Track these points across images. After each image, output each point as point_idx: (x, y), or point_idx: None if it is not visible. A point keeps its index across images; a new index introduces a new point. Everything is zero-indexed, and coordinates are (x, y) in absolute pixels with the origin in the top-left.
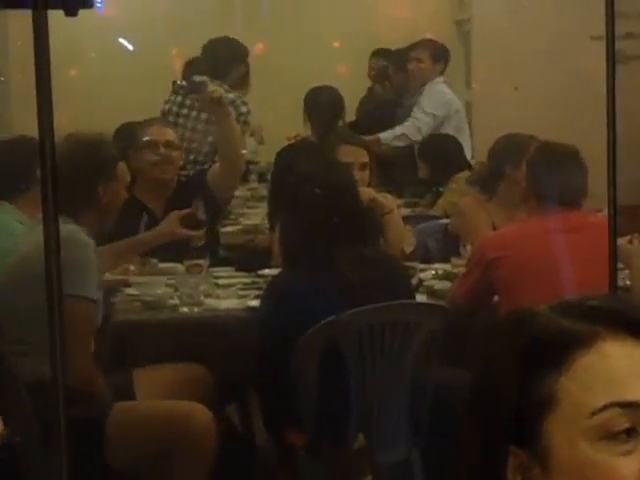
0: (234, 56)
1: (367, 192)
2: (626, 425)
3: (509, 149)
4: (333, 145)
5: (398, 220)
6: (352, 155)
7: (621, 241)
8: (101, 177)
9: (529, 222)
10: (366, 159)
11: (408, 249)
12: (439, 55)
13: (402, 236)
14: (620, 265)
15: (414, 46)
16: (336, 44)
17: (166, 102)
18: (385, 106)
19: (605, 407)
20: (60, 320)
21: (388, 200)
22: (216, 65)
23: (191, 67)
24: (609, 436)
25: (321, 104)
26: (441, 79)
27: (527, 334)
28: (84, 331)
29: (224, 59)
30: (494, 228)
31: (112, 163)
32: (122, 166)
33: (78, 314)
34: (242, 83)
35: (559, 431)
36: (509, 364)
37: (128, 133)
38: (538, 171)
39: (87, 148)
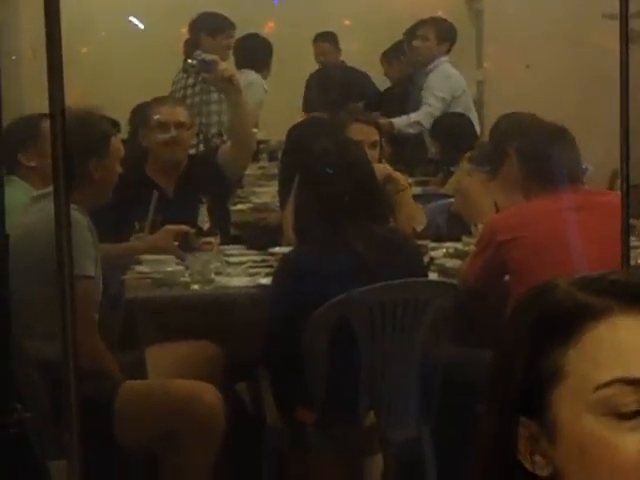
0: (211, 27)
1: (383, 168)
2: (633, 406)
3: (511, 130)
4: (344, 123)
5: (410, 198)
6: (362, 133)
7: None
8: (92, 153)
9: (538, 202)
10: (376, 137)
11: (419, 227)
12: (445, 34)
13: (414, 214)
14: (634, 243)
15: (420, 24)
16: (347, 22)
17: (177, 81)
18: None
19: (610, 382)
20: (71, 298)
21: (402, 178)
22: (194, 37)
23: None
24: (613, 412)
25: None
26: (446, 58)
27: (541, 306)
28: (85, 309)
29: (208, 31)
30: (497, 208)
31: (104, 139)
32: (115, 142)
33: (77, 293)
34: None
35: (566, 404)
36: (522, 335)
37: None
38: (528, 155)
39: (78, 124)
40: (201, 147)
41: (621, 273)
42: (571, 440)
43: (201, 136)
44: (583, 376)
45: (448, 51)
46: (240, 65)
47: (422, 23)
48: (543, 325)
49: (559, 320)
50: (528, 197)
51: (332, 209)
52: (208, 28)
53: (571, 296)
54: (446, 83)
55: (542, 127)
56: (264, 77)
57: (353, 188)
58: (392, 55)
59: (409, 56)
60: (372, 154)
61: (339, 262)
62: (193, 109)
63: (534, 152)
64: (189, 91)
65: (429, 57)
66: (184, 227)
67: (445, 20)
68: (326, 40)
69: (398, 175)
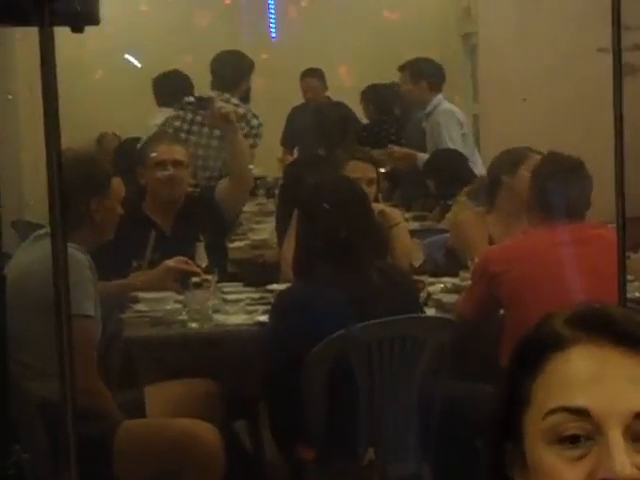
0: (242, 69)
1: (374, 205)
2: (571, 431)
3: (505, 158)
4: (341, 160)
5: (405, 234)
6: (360, 171)
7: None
8: (94, 193)
9: (533, 235)
10: (374, 175)
11: (416, 263)
12: (433, 74)
13: (410, 250)
14: (629, 277)
15: (406, 67)
16: (343, 59)
17: (176, 118)
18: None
19: (554, 410)
20: (69, 338)
21: (395, 213)
22: (225, 78)
23: (161, 82)
24: (558, 440)
25: (329, 119)
26: (441, 96)
27: (526, 336)
28: (85, 349)
29: (233, 72)
30: (491, 241)
31: (105, 179)
32: (116, 182)
33: (76, 332)
34: (245, 97)
35: (530, 431)
36: (510, 364)
37: (131, 148)
38: (543, 182)
39: (80, 164)
40: (216, 176)
41: (608, 307)
42: (533, 467)
43: (213, 170)
44: (539, 404)
45: (439, 89)
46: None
47: (408, 66)
48: (521, 354)
49: (532, 349)
50: (531, 222)
51: (331, 246)
52: (248, 69)
53: (551, 326)
54: (455, 120)
55: (563, 158)
56: None
57: (352, 225)
58: (370, 95)
59: (403, 99)
60: (369, 191)
61: (337, 298)
62: (202, 142)
63: (553, 182)
64: (195, 127)
65: (423, 99)
66: (181, 261)
67: (430, 60)
68: (313, 76)
69: (390, 210)
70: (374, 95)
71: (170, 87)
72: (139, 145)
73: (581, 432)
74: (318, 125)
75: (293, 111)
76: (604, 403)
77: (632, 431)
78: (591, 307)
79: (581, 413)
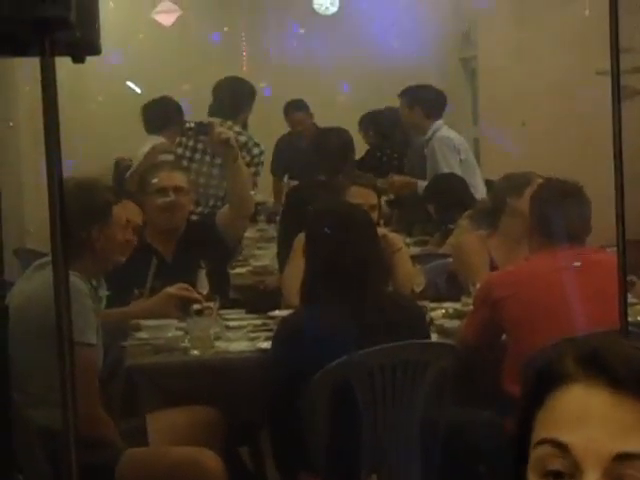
0: (245, 96)
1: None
2: (554, 467)
3: (510, 180)
4: (343, 186)
5: (407, 259)
6: (361, 196)
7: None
8: (95, 221)
9: (535, 260)
10: (375, 201)
11: (418, 288)
12: (430, 100)
13: (412, 275)
14: (632, 300)
15: (405, 92)
16: (342, 84)
17: (178, 145)
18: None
19: (541, 442)
20: (71, 367)
21: (396, 239)
22: (228, 105)
23: (149, 109)
24: (543, 474)
25: (331, 145)
26: (441, 122)
27: (537, 364)
28: (87, 377)
29: (235, 99)
30: (493, 264)
31: (106, 207)
32: (118, 210)
33: (78, 360)
34: (243, 125)
35: (530, 462)
36: (522, 390)
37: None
38: (543, 207)
39: (81, 192)
40: (219, 204)
41: (607, 342)
42: None
43: (215, 198)
44: (535, 436)
45: (439, 115)
46: None
47: (407, 93)
48: (530, 382)
49: (539, 382)
50: (531, 247)
51: (340, 272)
52: (251, 96)
53: (557, 360)
54: (451, 146)
55: (562, 183)
56: None
57: (360, 250)
58: (370, 121)
59: (404, 125)
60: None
61: (342, 325)
62: (203, 170)
63: (552, 207)
64: (197, 155)
65: (419, 125)
66: (183, 288)
67: (429, 86)
68: (299, 109)
69: (392, 236)
70: (374, 121)
71: (159, 114)
72: (128, 174)
73: (562, 468)
74: (319, 151)
75: (280, 140)
76: (585, 442)
77: (614, 474)
78: (593, 343)
79: (563, 449)
